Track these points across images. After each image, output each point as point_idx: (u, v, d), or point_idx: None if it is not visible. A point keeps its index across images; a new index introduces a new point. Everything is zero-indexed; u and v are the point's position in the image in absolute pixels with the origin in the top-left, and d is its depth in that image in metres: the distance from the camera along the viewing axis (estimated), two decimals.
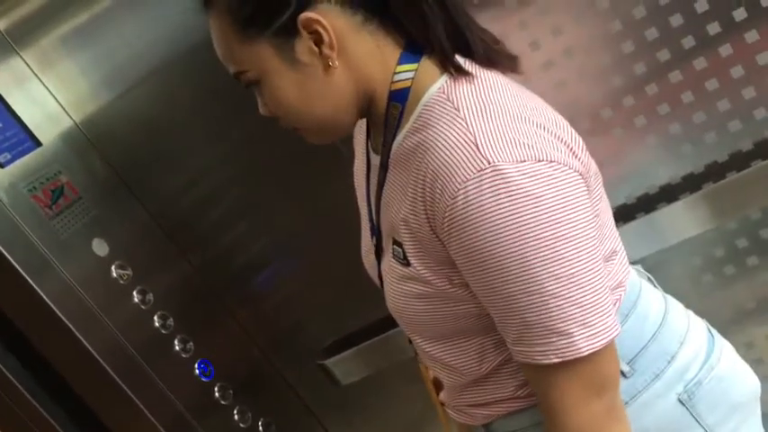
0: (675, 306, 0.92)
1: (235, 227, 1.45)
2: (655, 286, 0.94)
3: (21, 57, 1.36)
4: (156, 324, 1.27)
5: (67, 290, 1.15)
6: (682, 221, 1.20)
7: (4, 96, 1.29)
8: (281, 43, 0.78)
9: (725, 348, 0.90)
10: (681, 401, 0.85)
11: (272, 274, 1.50)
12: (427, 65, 0.80)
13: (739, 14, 1.08)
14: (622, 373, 0.83)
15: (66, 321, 1.13)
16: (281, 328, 1.51)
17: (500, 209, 0.69)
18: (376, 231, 0.89)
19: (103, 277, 1.22)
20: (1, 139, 1.18)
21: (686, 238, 1.21)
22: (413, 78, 0.80)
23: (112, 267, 1.23)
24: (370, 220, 0.91)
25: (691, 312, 0.92)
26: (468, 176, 0.69)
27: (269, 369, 1.50)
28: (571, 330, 0.71)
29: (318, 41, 0.77)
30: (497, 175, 0.69)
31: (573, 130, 0.78)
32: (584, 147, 0.78)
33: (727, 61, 1.12)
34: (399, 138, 0.81)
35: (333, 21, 0.76)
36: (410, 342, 0.93)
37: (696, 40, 1.11)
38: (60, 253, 1.16)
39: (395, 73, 0.80)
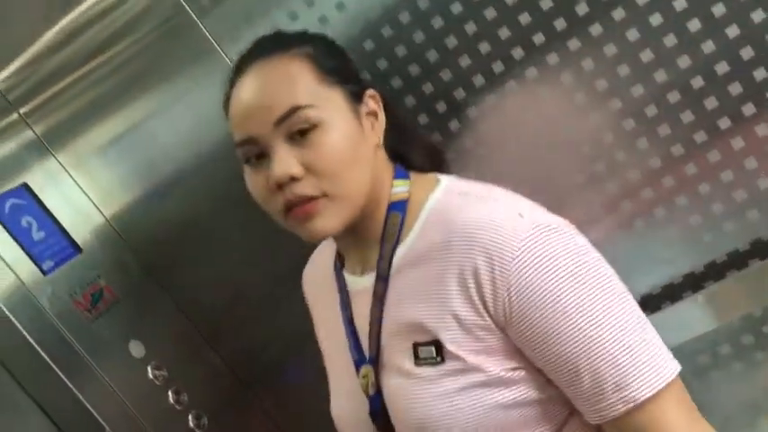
0: None
1: (264, 324, 1.55)
2: None
3: (55, 158, 1.51)
4: (191, 424, 1.37)
5: (107, 394, 1.25)
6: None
7: (41, 195, 1.42)
8: (353, 99, 0.90)
9: None
10: None
11: (302, 367, 1.58)
12: (417, 179, 0.94)
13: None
14: None
15: (106, 425, 1.23)
16: (315, 424, 1.58)
17: (559, 256, 0.81)
18: (373, 355, 0.92)
19: (140, 379, 1.32)
20: (44, 246, 1.31)
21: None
22: (409, 191, 0.93)
23: (148, 368, 1.33)
24: (357, 350, 0.95)
25: None
26: (523, 238, 0.81)
27: None
28: (655, 352, 0.82)
29: (374, 120, 0.93)
30: (547, 230, 0.82)
31: None
32: None
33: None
34: (408, 242, 0.90)
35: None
36: None
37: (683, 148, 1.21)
38: (100, 357, 1.27)
39: (392, 186, 0.93)
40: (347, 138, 0.87)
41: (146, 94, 1.44)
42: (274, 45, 0.90)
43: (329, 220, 0.87)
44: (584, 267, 0.81)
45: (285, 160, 0.84)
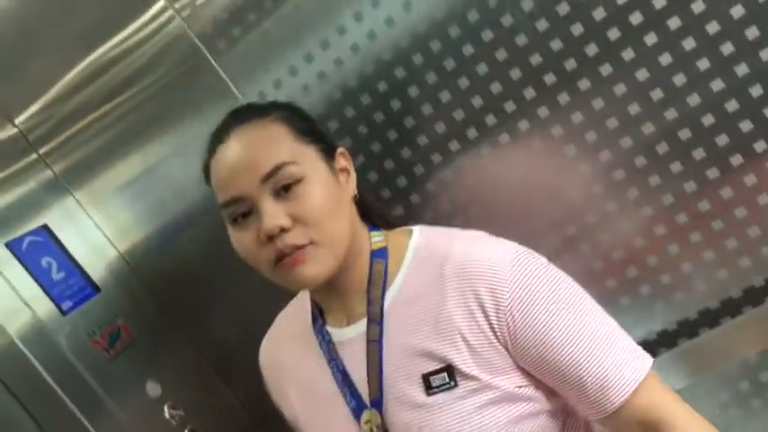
0: None
1: None
2: None
3: (73, 196, 1.54)
4: None
5: None
6: None
7: (59, 233, 1.45)
8: (326, 156, 0.98)
9: None
10: None
11: None
12: (390, 233, 1.04)
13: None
14: None
15: None
16: None
17: (543, 274, 0.94)
18: (376, 397, 0.97)
19: (157, 419, 1.33)
20: (64, 287, 1.33)
21: None
22: (386, 240, 1.02)
23: (165, 408, 1.35)
24: (354, 398, 0.99)
25: None
26: (512, 262, 0.93)
27: None
28: (633, 346, 0.95)
29: (347, 175, 1.01)
30: (526, 254, 0.95)
31: None
32: None
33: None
34: (395, 285, 0.98)
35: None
36: None
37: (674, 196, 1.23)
38: (117, 396, 1.29)
39: (370, 238, 1.02)
40: (327, 190, 0.95)
41: (162, 134, 1.47)
42: (251, 112, 1.00)
43: (317, 266, 0.94)
44: (565, 284, 0.95)
45: (275, 213, 0.91)
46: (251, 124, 0.97)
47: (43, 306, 1.31)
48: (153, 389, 1.35)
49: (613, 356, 0.92)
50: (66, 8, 1.44)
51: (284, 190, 0.93)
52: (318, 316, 1.06)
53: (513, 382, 0.94)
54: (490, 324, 0.91)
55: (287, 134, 0.96)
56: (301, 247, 0.92)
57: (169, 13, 1.40)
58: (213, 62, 1.40)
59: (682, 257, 1.27)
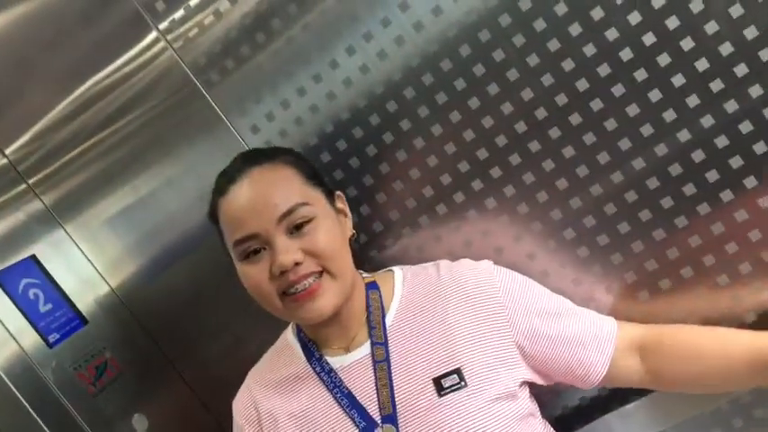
0: None
1: None
2: None
3: (63, 228, 1.54)
4: None
5: None
6: None
7: (48, 265, 1.45)
8: (329, 198, 1.07)
9: None
10: None
11: None
12: (372, 274, 1.19)
13: None
14: None
15: None
16: None
17: (510, 271, 1.16)
18: (390, 412, 1.01)
19: None
20: (51, 319, 1.33)
21: None
22: (374, 278, 1.16)
23: None
24: (364, 418, 1.02)
25: None
26: (491, 267, 1.14)
27: None
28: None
29: (344, 217, 1.10)
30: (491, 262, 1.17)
31: None
32: None
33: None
34: (392, 311, 1.08)
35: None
36: None
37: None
38: (103, 431, 1.28)
39: (361, 276, 1.15)
40: (334, 227, 1.06)
41: (153, 165, 1.48)
42: (260, 156, 1.08)
43: (329, 299, 1.03)
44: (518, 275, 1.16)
45: (289, 249, 1.01)
46: (262, 167, 1.05)
47: (29, 338, 1.31)
48: (140, 423, 1.34)
49: (587, 311, 1.16)
50: (57, 39, 1.45)
51: (296, 228, 1.02)
52: (315, 350, 1.09)
53: (514, 375, 1.04)
54: (493, 319, 1.05)
55: (296, 177, 1.05)
56: (313, 274, 1.02)
57: (161, 44, 1.41)
58: (205, 94, 1.41)
59: (673, 293, 1.28)
